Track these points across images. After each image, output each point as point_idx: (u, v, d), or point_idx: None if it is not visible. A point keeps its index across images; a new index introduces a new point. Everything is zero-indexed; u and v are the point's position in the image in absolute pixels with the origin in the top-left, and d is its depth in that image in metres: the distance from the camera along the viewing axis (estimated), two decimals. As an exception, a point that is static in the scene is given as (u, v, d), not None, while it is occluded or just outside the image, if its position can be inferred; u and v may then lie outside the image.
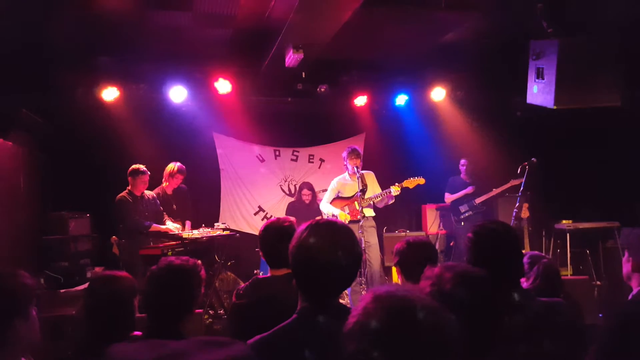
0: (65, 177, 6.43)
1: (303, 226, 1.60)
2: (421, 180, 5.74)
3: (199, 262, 2.11)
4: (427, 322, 0.94)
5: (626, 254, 2.18)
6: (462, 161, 7.06)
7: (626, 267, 2.14)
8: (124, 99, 6.57)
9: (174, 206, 6.01)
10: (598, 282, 6.37)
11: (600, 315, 2.72)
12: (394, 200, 5.75)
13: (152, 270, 2.02)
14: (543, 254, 3.12)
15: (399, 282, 2.70)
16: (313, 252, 1.53)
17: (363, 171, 5.73)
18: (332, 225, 1.60)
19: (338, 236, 1.56)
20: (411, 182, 5.72)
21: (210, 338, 1.02)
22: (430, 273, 1.53)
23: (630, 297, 2.08)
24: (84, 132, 6.54)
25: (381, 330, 0.93)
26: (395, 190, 5.56)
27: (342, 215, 5.73)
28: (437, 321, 0.96)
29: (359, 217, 5.57)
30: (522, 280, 2.79)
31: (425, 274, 1.57)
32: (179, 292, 1.95)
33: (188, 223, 5.83)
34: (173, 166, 5.96)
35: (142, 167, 5.57)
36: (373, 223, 5.77)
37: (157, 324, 1.92)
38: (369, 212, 5.71)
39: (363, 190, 5.56)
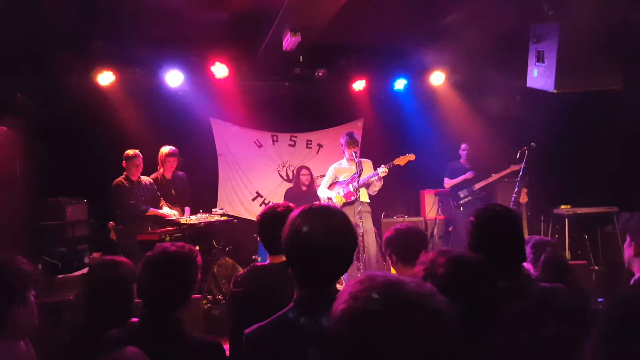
0: (62, 162, 6.39)
1: (295, 212, 1.56)
2: (411, 157, 5.73)
3: (196, 247, 2.07)
4: (415, 302, 0.93)
5: (627, 239, 2.16)
6: (463, 146, 7.03)
7: (628, 252, 2.12)
8: (120, 84, 6.50)
9: (173, 191, 5.99)
10: (596, 267, 6.40)
11: (600, 300, 2.71)
12: (382, 183, 5.73)
13: (147, 257, 1.98)
14: (547, 239, 3.09)
15: (394, 271, 2.70)
16: (307, 239, 1.48)
17: (362, 159, 5.74)
18: (325, 210, 1.55)
19: (332, 221, 1.51)
20: (402, 160, 5.72)
21: None
22: (425, 258, 1.52)
23: (632, 282, 2.07)
24: (80, 116, 6.48)
25: (370, 310, 0.92)
26: (382, 171, 5.55)
27: (337, 197, 5.75)
28: (426, 302, 0.94)
29: (353, 198, 5.58)
30: (530, 268, 2.78)
31: (420, 259, 1.56)
32: (176, 279, 1.90)
33: (187, 209, 5.81)
34: (163, 150, 5.93)
35: (134, 151, 5.54)
36: (369, 208, 5.79)
37: (153, 311, 1.89)
38: (364, 197, 5.71)
39: (360, 174, 5.56)
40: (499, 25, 5.76)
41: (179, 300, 1.90)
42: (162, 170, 5.97)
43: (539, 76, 4.66)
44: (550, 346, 1.73)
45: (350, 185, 5.67)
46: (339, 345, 0.95)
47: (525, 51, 4.98)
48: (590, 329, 1.85)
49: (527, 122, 6.78)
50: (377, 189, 5.80)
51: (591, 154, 6.69)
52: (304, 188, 6.92)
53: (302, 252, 1.50)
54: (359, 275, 4.47)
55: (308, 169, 7.06)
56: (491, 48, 6.27)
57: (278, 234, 1.58)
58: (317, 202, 1.65)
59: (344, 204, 5.71)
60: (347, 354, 0.94)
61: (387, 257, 2.74)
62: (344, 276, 5.77)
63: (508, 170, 6.66)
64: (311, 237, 1.48)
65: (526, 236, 6.13)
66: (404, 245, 2.57)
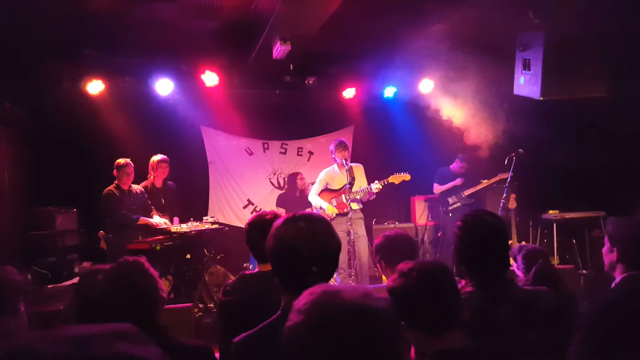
0: (51, 171, 6.36)
1: (279, 221, 1.59)
2: (407, 177, 5.77)
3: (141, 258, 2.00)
4: (352, 306, 0.98)
5: (607, 245, 2.19)
6: (461, 163, 7.05)
7: (609, 257, 2.15)
8: (110, 92, 6.50)
9: (162, 200, 5.97)
10: (584, 271, 6.46)
11: (585, 303, 2.75)
12: (375, 197, 5.78)
13: (94, 284, 1.94)
14: (539, 249, 3.13)
15: (385, 277, 2.73)
16: (290, 247, 1.52)
17: (352, 164, 5.73)
18: (308, 218, 1.58)
19: (315, 228, 1.54)
20: (397, 178, 5.75)
21: None
22: (401, 266, 1.62)
23: (613, 285, 2.11)
24: (70, 125, 6.46)
25: (312, 322, 0.97)
26: (375, 187, 5.58)
27: (329, 208, 5.73)
28: (362, 304, 0.99)
29: (345, 210, 5.59)
30: (521, 276, 2.82)
31: (397, 268, 1.64)
32: (130, 291, 1.86)
33: (176, 219, 5.80)
34: (154, 158, 5.92)
35: (125, 159, 5.53)
36: (361, 215, 5.80)
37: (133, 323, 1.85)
38: (355, 205, 5.73)
39: (351, 183, 5.57)
40: (486, 33, 5.85)
41: (146, 308, 1.86)
42: (152, 178, 5.95)
43: (525, 84, 4.74)
44: (535, 349, 1.75)
45: (343, 196, 5.68)
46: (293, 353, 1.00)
47: (512, 59, 5.05)
48: (573, 332, 1.88)
49: (515, 129, 6.86)
50: (370, 199, 5.82)
51: (578, 160, 6.77)
52: (298, 194, 6.94)
53: (286, 260, 1.53)
54: (351, 281, 4.51)
55: (302, 174, 7.13)
56: (478, 55, 6.35)
57: (265, 242, 1.60)
58: (303, 211, 1.68)
59: (337, 215, 5.72)
60: None
61: (377, 264, 2.77)
62: (337, 283, 5.80)
63: (496, 178, 6.72)
64: (295, 245, 1.51)
65: (515, 241, 6.19)
66: (393, 252, 2.60)
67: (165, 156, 5.94)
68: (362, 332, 0.95)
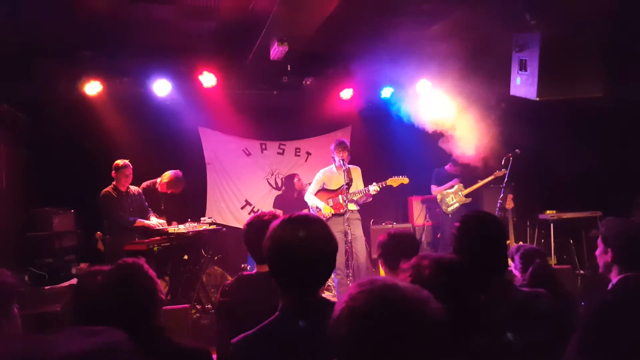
0: (48, 172, 6.35)
1: (276, 222, 1.60)
2: (405, 180, 5.78)
3: (139, 259, 1.98)
4: (411, 307, 0.97)
5: (601, 246, 2.20)
6: (454, 167, 7.07)
7: (604, 258, 2.16)
8: (108, 93, 6.49)
9: (162, 206, 5.95)
10: (581, 271, 6.48)
11: (582, 304, 2.76)
12: (372, 199, 5.79)
13: (92, 286, 1.93)
14: (537, 249, 3.14)
15: (384, 274, 2.73)
16: (287, 248, 1.52)
17: (350, 165, 5.73)
18: (304, 219, 1.59)
19: (311, 229, 1.55)
20: (395, 181, 5.76)
21: (85, 328, 0.93)
22: (407, 265, 1.58)
23: (610, 287, 2.11)
24: (67, 126, 6.45)
25: (368, 311, 0.96)
26: (373, 189, 5.59)
27: (326, 208, 5.72)
28: (421, 308, 0.98)
29: (342, 210, 5.60)
30: (518, 276, 2.83)
31: (401, 267, 1.61)
32: (126, 297, 1.83)
33: (174, 223, 5.78)
34: (172, 175, 5.83)
35: (124, 161, 5.51)
36: (358, 216, 5.79)
37: (127, 325, 1.84)
38: (352, 206, 5.73)
39: (348, 184, 5.57)
40: (482, 34, 5.86)
41: (145, 310, 1.85)
42: (158, 185, 5.92)
43: (522, 84, 4.75)
44: (531, 350, 1.76)
45: (340, 196, 5.68)
46: (336, 342, 0.99)
47: (508, 59, 5.07)
48: (571, 332, 1.89)
49: (511, 129, 6.88)
50: (367, 201, 5.83)
51: (575, 160, 6.79)
52: (295, 195, 6.95)
53: (283, 261, 1.54)
54: (348, 282, 4.51)
55: (299, 176, 7.14)
56: (476, 56, 6.37)
57: (263, 243, 1.61)
58: (299, 212, 1.68)
59: (334, 215, 5.72)
60: (344, 350, 0.98)
61: (378, 261, 2.77)
62: (334, 284, 5.80)
63: (492, 177, 6.73)
64: (292, 246, 1.52)
65: (512, 242, 6.19)
66: (395, 250, 2.59)
67: (181, 176, 5.86)
68: (416, 333, 0.94)
